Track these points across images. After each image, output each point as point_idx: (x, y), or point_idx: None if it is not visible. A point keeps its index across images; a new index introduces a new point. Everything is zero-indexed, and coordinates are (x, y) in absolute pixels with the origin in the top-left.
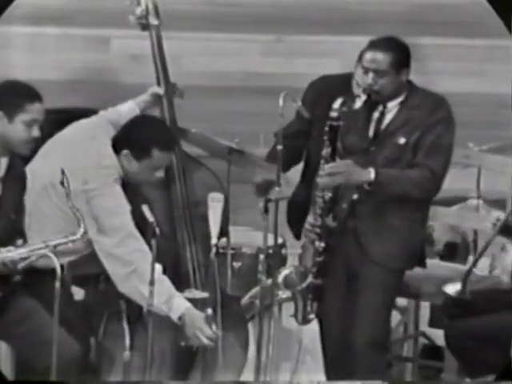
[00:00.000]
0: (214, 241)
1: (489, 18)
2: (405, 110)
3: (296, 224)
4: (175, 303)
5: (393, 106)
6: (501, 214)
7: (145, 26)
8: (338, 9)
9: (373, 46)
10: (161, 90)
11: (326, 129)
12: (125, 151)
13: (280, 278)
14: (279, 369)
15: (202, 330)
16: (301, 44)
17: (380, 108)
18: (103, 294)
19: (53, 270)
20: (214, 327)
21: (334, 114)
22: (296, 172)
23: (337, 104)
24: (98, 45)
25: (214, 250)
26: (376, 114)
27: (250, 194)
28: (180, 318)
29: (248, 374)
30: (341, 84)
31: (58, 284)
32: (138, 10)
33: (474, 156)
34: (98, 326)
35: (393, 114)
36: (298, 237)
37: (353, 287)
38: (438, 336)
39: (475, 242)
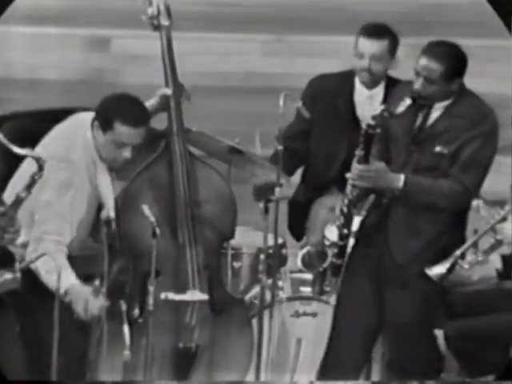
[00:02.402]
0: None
1: (489, 18)
2: (449, 115)
3: (297, 225)
4: (63, 277)
5: (439, 107)
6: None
7: (156, 27)
8: (338, 9)
9: (429, 51)
10: (169, 91)
11: (362, 132)
12: (95, 122)
13: (298, 260)
14: (279, 368)
15: (88, 301)
16: (301, 44)
17: (427, 107)
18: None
19: None
20: (100, 298)
21: (371, 123)
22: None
23: (377, 111)
24: (98, 45)
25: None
26: (422, 113)
27: (251, 193)
28: (66, 294)
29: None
30: (339, 82)
31: (58, 284)
32: (150, 11)
33: None
34: (97, 326)
35: (437, 115)
36: (298, 238)
37: (375, 284)
38: (439, 335)
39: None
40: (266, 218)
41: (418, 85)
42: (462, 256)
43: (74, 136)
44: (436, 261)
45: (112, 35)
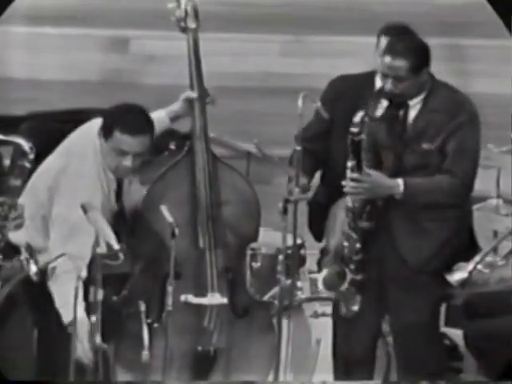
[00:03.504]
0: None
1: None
2: (426, 110)
3: (317, 226)
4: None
5: (415, 103)
6: None
7: (183, 29)
8: (356, 9)
9: (391, 49)
10: (194, 94)
11: (348, 142)
12: (99, 130)
13: (319, 283)
14: (298, 369)
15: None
16: (319, 44)
17: (404, 106)
18: (123, 295)
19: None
20: (98, 336)
21: (354, 130)
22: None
23: (357, 118)
24: (116, 46)
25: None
26: (401, 112)
27: (269, 194)
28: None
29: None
30: (360, 83)
31: (76, 284)
32: (177, 13)
33: (494, 157)
34: (117, 326)
35: (416, 112)
36: (319, 239)
37: (387, 288)
38: (457, 335)
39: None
40: (285, 219)
41: (388, 85)
42: (482, 260)
43: (84, 147)
44: (448, 259)
45: (131, 36)
